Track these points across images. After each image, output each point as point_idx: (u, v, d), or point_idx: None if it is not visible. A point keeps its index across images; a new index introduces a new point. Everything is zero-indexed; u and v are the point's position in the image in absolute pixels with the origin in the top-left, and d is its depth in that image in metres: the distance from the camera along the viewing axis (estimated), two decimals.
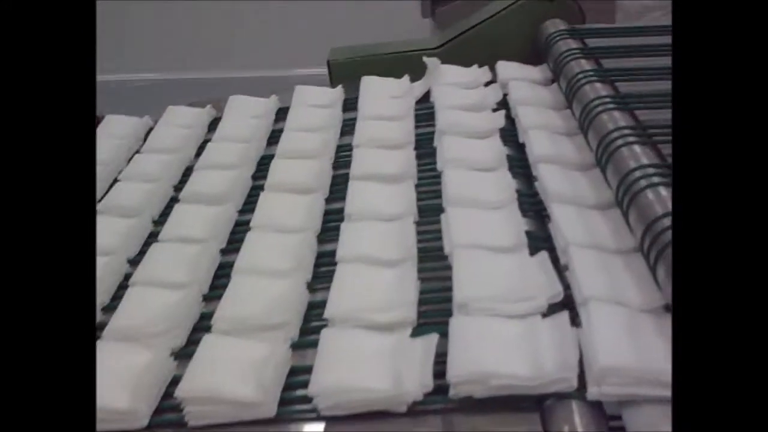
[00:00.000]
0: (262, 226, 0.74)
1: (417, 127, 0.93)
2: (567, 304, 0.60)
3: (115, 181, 0.89)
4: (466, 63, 1.08)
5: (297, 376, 0.58)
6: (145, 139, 1.00)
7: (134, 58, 2.71)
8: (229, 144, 0.93)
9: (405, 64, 1.10)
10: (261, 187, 0.83)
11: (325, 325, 0.61)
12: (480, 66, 1.06)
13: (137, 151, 0.96)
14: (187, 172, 0.91)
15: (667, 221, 0.60)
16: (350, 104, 1.01)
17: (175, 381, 0.57)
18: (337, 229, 0.73)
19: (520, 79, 0.98)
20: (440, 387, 0.54)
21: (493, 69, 1.04)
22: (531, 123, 0.86)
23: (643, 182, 0.66)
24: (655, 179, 0.66)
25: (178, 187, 0.87)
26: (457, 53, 1.12)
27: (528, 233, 0.69)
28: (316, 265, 0.70)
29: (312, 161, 0.85)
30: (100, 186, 0.87)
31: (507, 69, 1.02)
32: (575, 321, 0.58)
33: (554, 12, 1.10)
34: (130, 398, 0.55)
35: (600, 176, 0.74)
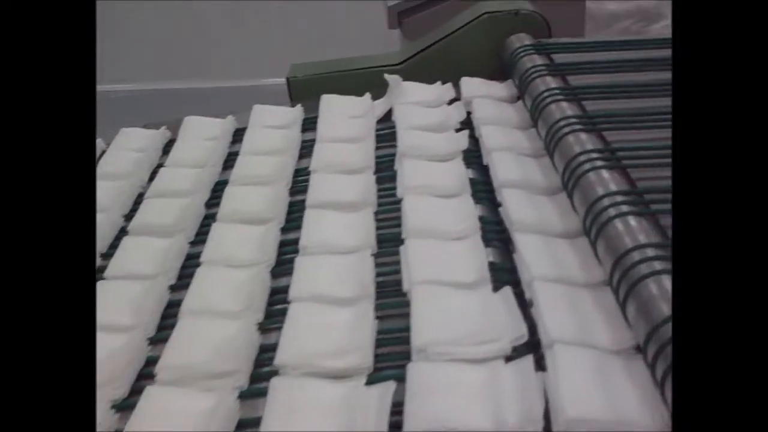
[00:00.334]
0: (212, 261, 0.70)
1: (378, 148, 0.89)
2: (533, 344, 0.57)
3: None
4: (430, 79, 1.05)
5: (246, 429, 0.54)
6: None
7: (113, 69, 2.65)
8: (183, 169, 0.88)
9: (368, 80, 1.06)
10: (214, 216, 0.79)
11: (276, 372, 0.57)
12: (444, 82, 1.03)
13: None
14: (139, 198, 0.86)
15: (637, 255, 0.57)
16: (310, 124, 0.97)
17: None
18: (292, 261, 0.69)
19: (484, 96, 0.95)
20: None
21: (457, 85, 1.01)
22: (495, 144, 0.82)
23: (611, 211, 0.63)
24: (624, 208, 0.63)
25: (129, 216, 0.83)
26: (420, 69, 1.09)
27: (492, 265, 0.66)
28: (270, 303, 0.66)
29: (267, 188, 0.81)
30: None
31: (471, 86, 0.98)
32: (541, 363, 0.54)
33: (519, 26, 1.07)
34: None
35: (567, 201, 0.71)
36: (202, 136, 0.96)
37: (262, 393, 0.56)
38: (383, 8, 1.57)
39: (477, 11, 1.08)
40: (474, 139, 0.87)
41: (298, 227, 0.75)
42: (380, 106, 0.98)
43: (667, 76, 0.84)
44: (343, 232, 0.71)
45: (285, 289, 0.66)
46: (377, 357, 0.59)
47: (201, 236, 0.77)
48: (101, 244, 0.77)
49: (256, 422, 0.53)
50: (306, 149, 0.91)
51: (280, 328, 0.61)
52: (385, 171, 0.84)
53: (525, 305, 0.61)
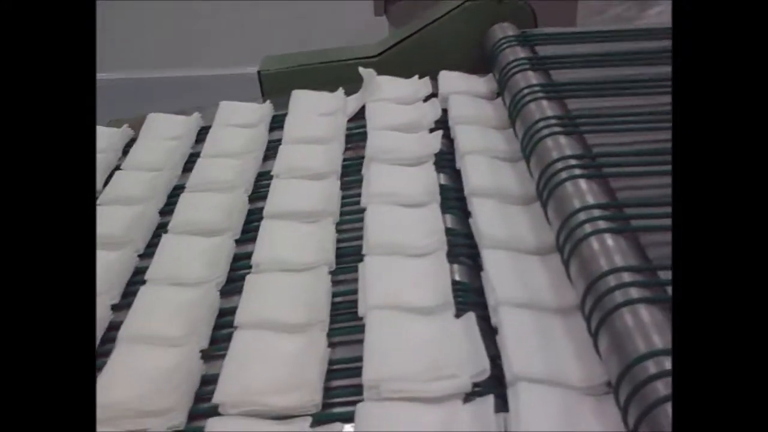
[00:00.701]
0: (157, 279, 0.65)
1: (347, 149, 0.84)
2: (497, 378, 0.51)
3: None
4: (410, 72, 0.99)
5: None
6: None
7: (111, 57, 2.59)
8: (139, 173, 0.83)
9: (344, 73, 1.00)
10: (167, 226, 0.73)
11: (216, 409, 0.52)
12: (423, 76, 0.97)
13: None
14: None
15: (613, 280, 0.52)
16: (278, 122, 0.91)
17: None
18: (244, 279, 0.64)
19: (462, 92, 0.89)
20: None
21: (436, 79, 0.95)
22: (469, 147, 0.77)
23: (587, 228, 0.57)
24: (602, 224, 0.57)
25: None
26: (399, 61, 1.03)
27: (457, 285, 0.60)
28: (217, 326, 0.61)
29: (225, 195, 0.75)
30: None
31: (449, 80, 0.92)
32: (505, 400, 0.49)
33: (503, 14, 1.00)
34: None
35: (543, 212, 0.65)
36: (164, 135, 0.90)
37: None
38: None
39: None
40: (450, 140, 0.82)
41: (255, 239, 0.69)
42: (353, 103, 0.92)
43: (660, 70, 0.79)
44: (300, 245, 0.66)
45: (234, 310, 0.61)
46: (327, 392, 0.54)
47: (151, 248, 0.71)
48: None
49: None
50: (272, 150, 0.85)
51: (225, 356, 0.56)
52: (352, 175, 0.78)
53: (492, 330, 0.55)
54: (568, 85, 0.81)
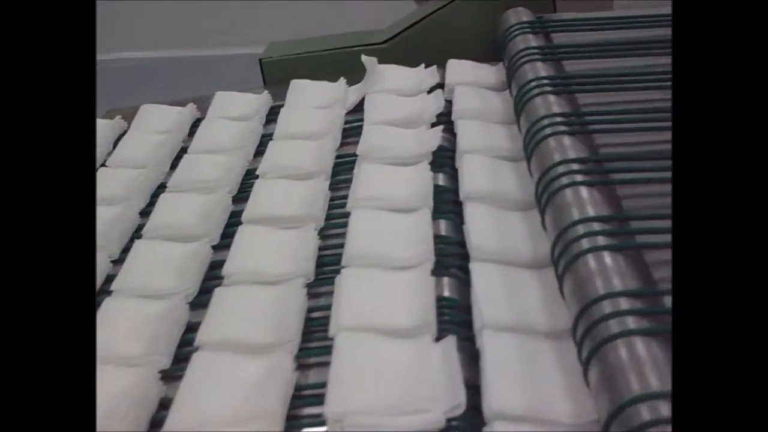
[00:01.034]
0: (124, 290, 0.60)
1: (343, 145, 0.78)
2: (475, 410, 0.46)
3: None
4: (419, 60, 0.93)
5: None
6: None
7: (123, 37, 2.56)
8: (123, 170, 0.78)
9: (348, 61, 0.94)
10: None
11: None
12: (435, 63, 0.91)
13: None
14: None
15: (608, 306, 0.46)
16: (275, 114, 0.86)
17: None
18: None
19: (469, 83, 0.83)
20: None
21: (444, 68, 0.89)
22: (469, 145, 0.71)
23: (584, 243, 0.51)
24: (600, 240, 0.51)
25: None
26: (407, 48, 0.97)
27: (444, 301, 0.55)
28: (184, 343, 0.56)
29: (207, 196, 0.70)
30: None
31: (457, 70, 0.86)
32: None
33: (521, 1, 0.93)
34: None
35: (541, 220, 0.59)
36: (155, 128, 0.86)
37: None
38: None
39: None
40: (453, 135, 0.76)
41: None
42: (354, 94, 0.87)
43: None
44: (277, 254, 0.61)
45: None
46: (294, 420, 0.49)
47: (125, 253, 0.67)
48: None
49: None
50: (264, 145, 0.80)
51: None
52: (345, 174, 0.73)
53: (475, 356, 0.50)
54: (580, 78, 0.74)
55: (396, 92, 0.84)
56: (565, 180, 0.57)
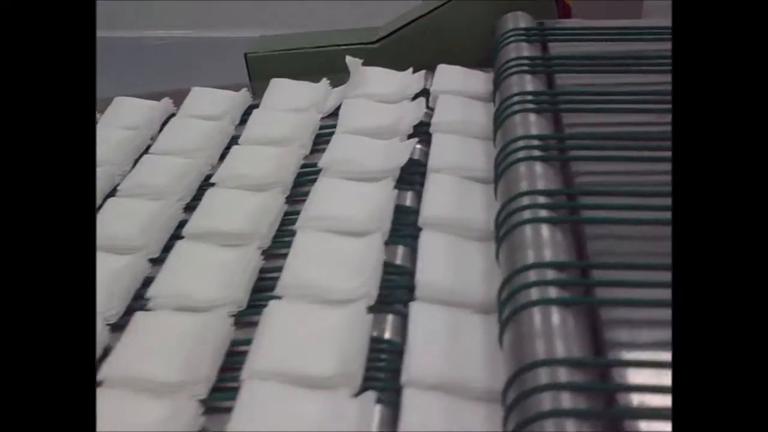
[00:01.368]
0: None
1: (314, 152, 0.73)
2: None
3: None
4: (411, 62, 0.87)
5: None
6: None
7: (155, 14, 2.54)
8: None
9: (336, 59, 0.88)
10: None
11: None
12: (427, 66, 0.84)
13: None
14: None
15: (544, 375, 0.40)
16: (249, 114, 0.81)
17: None
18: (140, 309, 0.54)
19: (455, 92, 0.77)
20: None
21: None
22: (441, 162, 0.65)
23: (533, 292, 0.45)
24: (552, 292, 0.45)
25: None
26: (399, 49, 0.91)
27: (382, 344, 0.49)
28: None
29: (155, 204, 0.65)
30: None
31: (445, 76, 0.80)
32: None
33: (523, 2, 0.87)
34: None
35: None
36: (122, 123, 0.81)
37: None
38: None
39: None
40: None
41: None
42: (335, 97, 0.81)
43: None
44: (210, 277, 0.56)
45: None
46: None
47: None
48: None
49: None
50: (230, 150, 0.75)
51: None
52: (308, 186, 0.67)
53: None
54: (568, 95, 0.68)
55: (377, 98, 0.78)
56: (527, 214, 0.51)
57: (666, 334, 0.38)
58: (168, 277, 0.56)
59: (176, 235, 0.63)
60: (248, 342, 0.51)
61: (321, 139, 0.75)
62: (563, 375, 0.39)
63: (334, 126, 0.76)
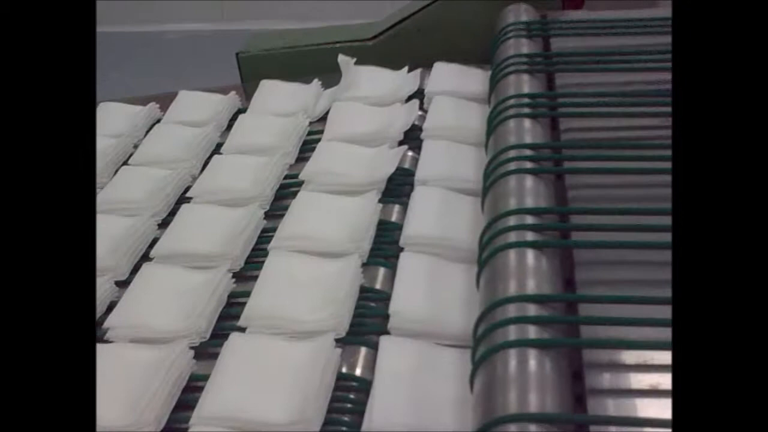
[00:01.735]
0: None
1: (300, 160, 0.69)
2: None
3: None
4: (408, 59, 0.82)
5: None
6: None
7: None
8: None
9: (331, 57, 0.84)
10: None
11: None
12: (427, 63, 0.80)
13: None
14: None
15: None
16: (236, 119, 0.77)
17: None
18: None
19: (451, 92, 0.72)
20: None
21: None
22: (428, 173, 0.61)
23: (511, 331, 0.40)
24: (531, 330, 0.40)
25: None
26: (397, 46, 0.87)
27: (350, 380, 0.45)
28: None
29: (128, 221, 0.61)
30: None
31: (441, 76, 0.75)
32: None
33: None
34: None
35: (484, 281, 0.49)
36: (106, 131, 0.77)
37: None
38: None
39: None
40: None
41: None
42: (325, 99, 0.77)
43: None
44: (173, 305, 0.52)
45: None
46: None
47: None
48: None
49: None
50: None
51: None
52: (288, 199, 0.63)
53: None
54: (568, 97, 0.62)
55: (369, 100, 0.74)
56: (512, 237, 0.46)
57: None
58: (128, 307, 0.52)
59: (147, 255, 0.60)
60: (206, 378, 0.47)
61: (308, 146, 0.71)
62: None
63: (323, 131, 0.72)
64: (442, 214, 0.56)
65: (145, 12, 2.48)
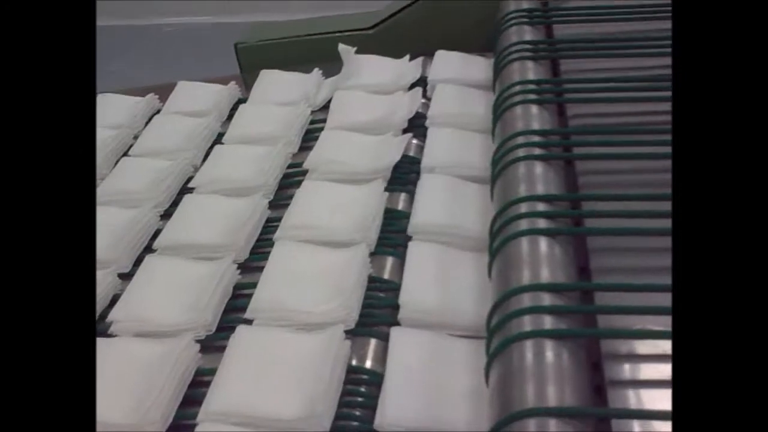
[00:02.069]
0: None
1: (303, 149, 0.68)
2: None
3: None
4: (409, 49, 0.81)
5: None
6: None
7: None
8: None
9: (331, 47, 0.83)
10: None
11: None
12: (427, 52, 0.79)
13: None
14: None
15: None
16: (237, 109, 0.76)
17: None
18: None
19: (454, 80, 0.71)
20: None
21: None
22: (435, 161, 0.60)
23: (526, 322, 0.40)
24: (547, 320, 0.39)
25: None
26: (398, 35, 0.86)
27: (359, 373, 0.45)
28: None
29: (129, 213, 0.60)
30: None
31: (443, 63, 0.75)
32: None
33: None
34: None
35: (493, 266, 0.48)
36: (105, 122, 0.76)
37: None
38: None
39: None
40: None
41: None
42: (326, 88, 0.76)
43: None
44: (177, 299, 0.51)
45: None
46: None
47: None
48: None
49: None
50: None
51: None
52: (292, 189, 0.62)
53: None
54: (574, 83, 0.62)
55: (371, 88, 0.73)
56: (524, 224, 0.46)
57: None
58: (131, 299, 0.51)
59: (150, 246, 0.59)
60: (213, 372, 0.46)
61: (311, 135, 0.70)
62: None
63: (325, 120, 0.71)
64: (450, 201, 0.55)
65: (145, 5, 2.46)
